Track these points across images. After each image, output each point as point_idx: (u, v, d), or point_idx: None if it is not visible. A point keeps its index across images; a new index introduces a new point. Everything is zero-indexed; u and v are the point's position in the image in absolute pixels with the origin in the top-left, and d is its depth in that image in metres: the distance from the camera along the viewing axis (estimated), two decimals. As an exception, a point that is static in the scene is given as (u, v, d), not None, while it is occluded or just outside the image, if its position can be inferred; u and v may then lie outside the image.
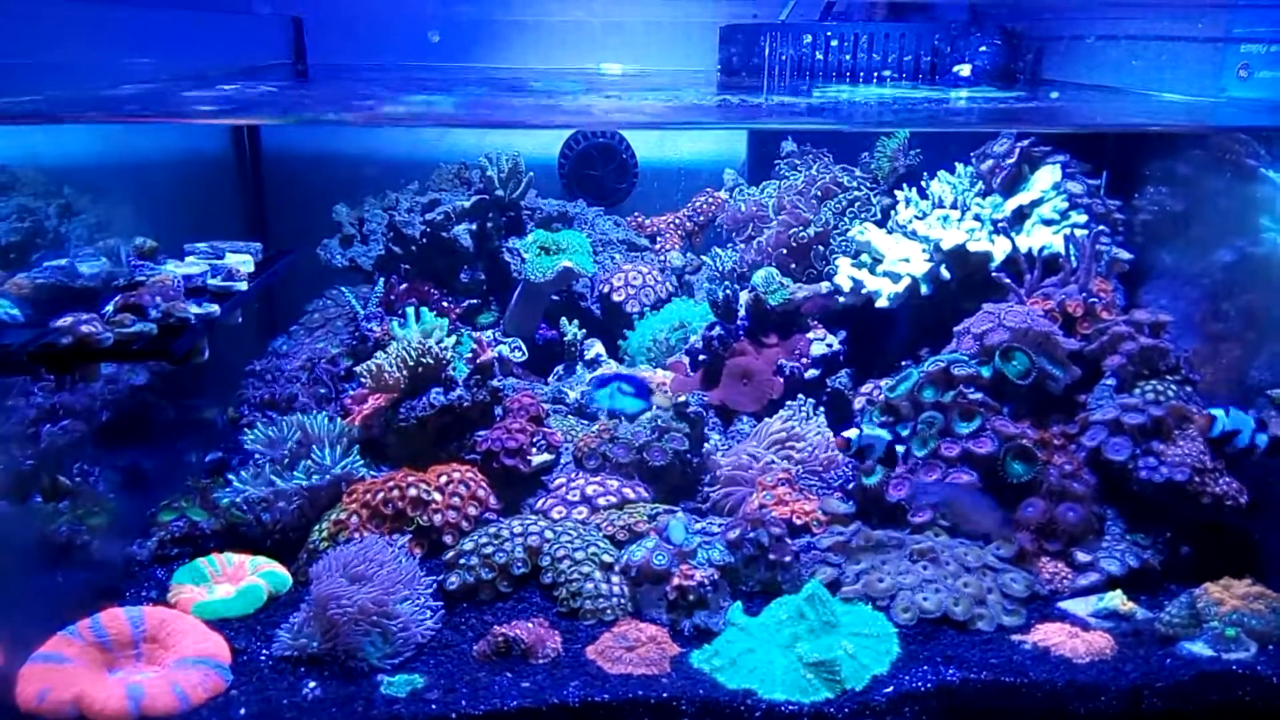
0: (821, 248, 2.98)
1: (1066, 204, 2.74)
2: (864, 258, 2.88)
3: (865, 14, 3.51)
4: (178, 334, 2.09)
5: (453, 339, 2.63)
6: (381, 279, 3.12)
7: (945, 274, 2.72)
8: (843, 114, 2.98)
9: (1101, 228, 2.72)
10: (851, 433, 2.29)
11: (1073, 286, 2.56)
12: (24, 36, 2.28)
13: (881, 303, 2.75)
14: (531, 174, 3.26)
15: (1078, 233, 2.65)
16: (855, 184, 3.10)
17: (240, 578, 2.20)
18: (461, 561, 2.16)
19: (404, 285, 3.05)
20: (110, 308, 2.07)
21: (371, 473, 2.42)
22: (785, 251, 2.99)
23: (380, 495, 2.27)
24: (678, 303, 3.20)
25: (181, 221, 2.87)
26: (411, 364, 2.46)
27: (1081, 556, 2.21)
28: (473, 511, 2.31)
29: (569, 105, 2.99)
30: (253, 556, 2.27)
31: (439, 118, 3.19)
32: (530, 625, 2.00)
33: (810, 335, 2.85)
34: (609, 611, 2.07)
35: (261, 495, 2.33)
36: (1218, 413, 2.21)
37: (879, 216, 3.01)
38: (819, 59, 3.24)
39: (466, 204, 3.16)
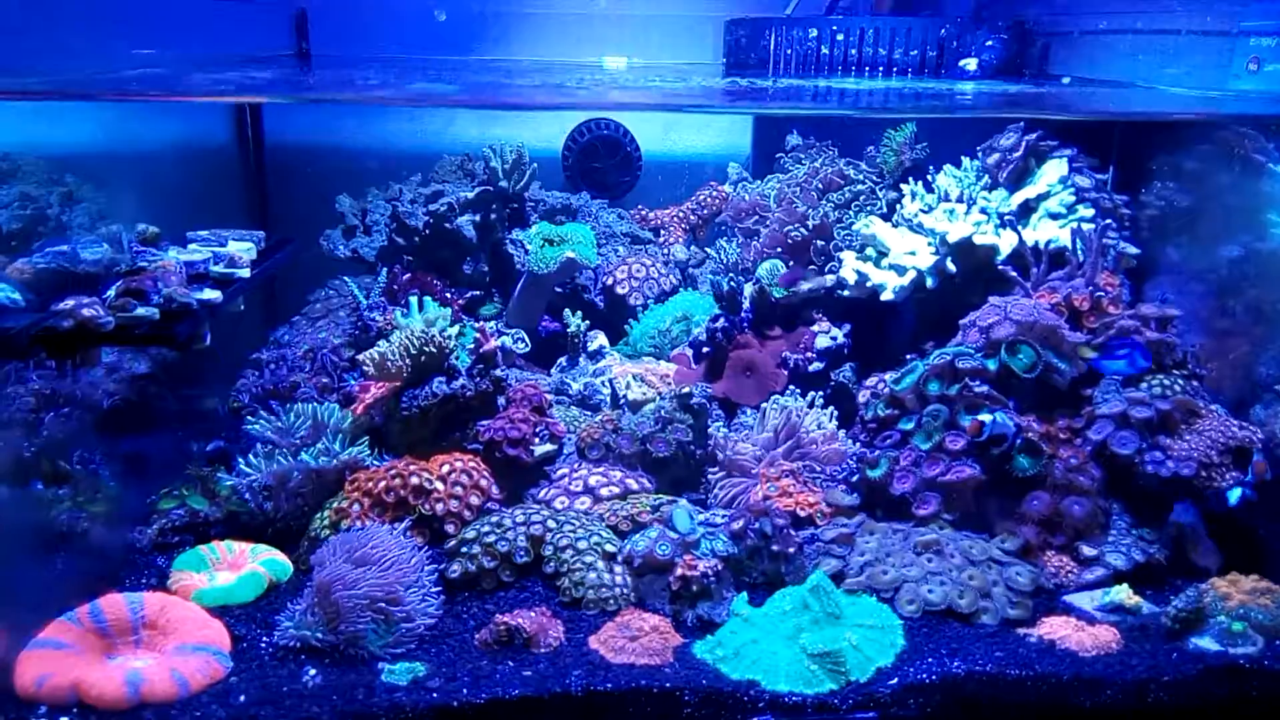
0: (821, 242, 2.96)
1: (1073, 198, 2.72)
2: (869, 251, 2.87)
3: (871, 8, 3.50)
4: (180, 319, 2.08)
5: (455, 329, 2.61)
6: (385, 269, 3.11)
7: (951, 267, 2.71)
8: (849, 100, 2.97)
9: (1108, 222, 2.71)
10: (986, 417, 2.25)
11: (1079, 280, 2.55)
12: (30, 20, 2.27)
13: (886, 296, 2.74)
14: (536, 165, 3.25)
15: (1085, 227, 2.63)
16: (860, 177, 3.08)
17: (241, 565, 2.19)
18: (463, 550, 2.15)
19: (407, 275, 3.04)
20: (112, 292, 2.06)
21: (374, 461, 2.40)
22: (781, 250, 2.98)
23: (382, 484, 2.26)
24: (681, 295, 3.18)
25: (184, 211, 2.86)
26: (414, 353, 2.45)
27: (1087, 550, 2.20)
28: (475, 501, 2.30)
29: (574, 89, 2.99)
30: (254, 544, 2.25)
31: (443, 98, 3.19)
32: (533, 614, 1.99)
33: (815, 328, 2.83)
34: (612, 601, 2.06)
35: (266, 483, 2.32)
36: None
37: (884, 210, 3.00)
38: (824, 53, 3.23)
39: (470, 195, 3.15)
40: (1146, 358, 2.37)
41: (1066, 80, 3.01)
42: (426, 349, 2.46)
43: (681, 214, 3.51)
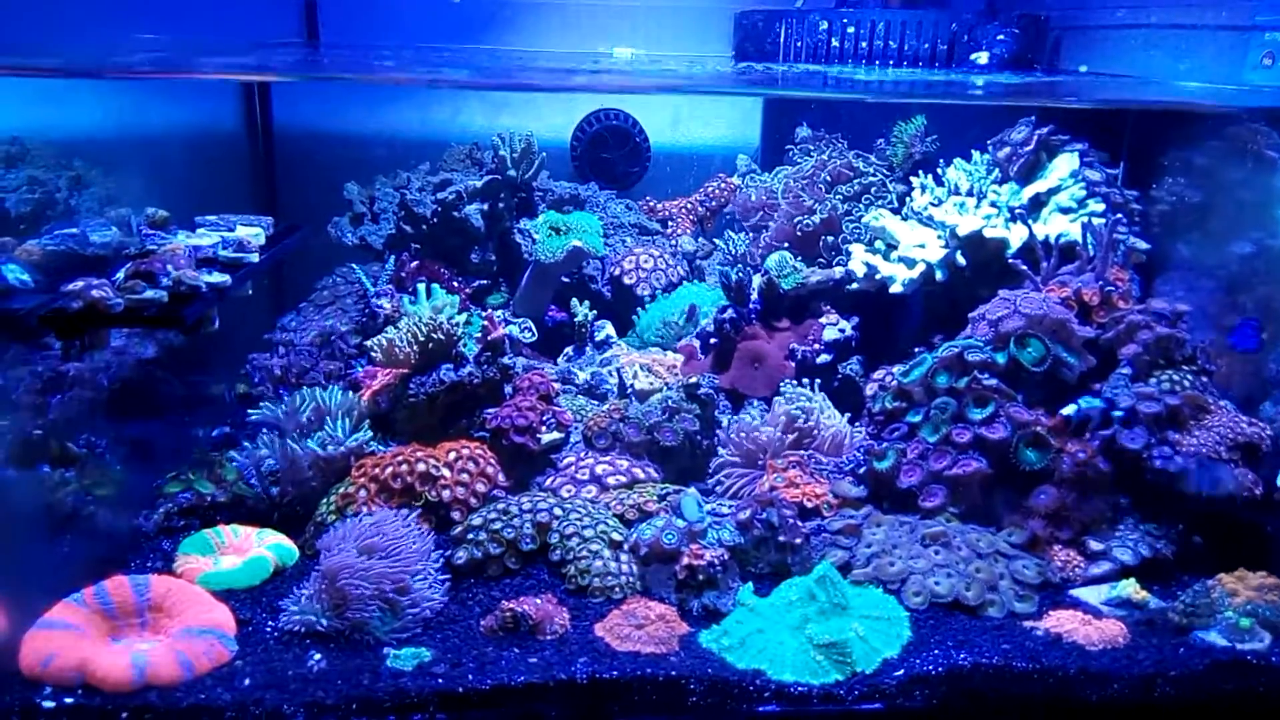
0: (830, 237, 2.95)
1: (1084, 192, 2.72)
2: (878, 244, 2.86)
3: (882, 1, 3.49)
4: (188, 302, 2.08)
5: (463, 317, 2.61)
6: (392, 257, 3.10)
7: (960, 260, 2.70)
8: (859, 87, 2.97)
9: (1119, 216, 2.70)
10: (1069, 409, 2.25)
11: (1089, 275, 2.54)
12: (34, 5, 2.28)
13: (895, 288, 2.74)
14: (544, 155, 3.24)
15: (1095, 221, 2.62)
16: (870, 170, 3.07)
17: (247, 550, 2.19)
18: (470, 537, 2.15)
19: (415, 263, 3.04)
20: (121, 274, 2.05)
21: (381, 448, 2.40)
22: (789, 244, 2.97)
23: (389, 470, 2.25)
24: (689, 286, 3.18)
25: (192, 197, 2.86)
26: (422, 339, 2.45)
27: (1094, 545, 2.19)
28: (481, 488, 2.29)
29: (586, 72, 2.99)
30: (260, 529, 2.25)
31: (453, 80, 3.19)
32: (538, 601, 1.98)
33: (823, 320, 2.83)
34: (618, 589, 2.06)
35: (272, 468, 2.32)
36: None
37: (894, 203, 2.99)
38: (835, 46, 3.22)
39: (478, 184, 3.14)
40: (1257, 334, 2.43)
41: (1083, 69, 3.00)
42: (434, 336, 2.46)
43: (689, 205, 3.50)
